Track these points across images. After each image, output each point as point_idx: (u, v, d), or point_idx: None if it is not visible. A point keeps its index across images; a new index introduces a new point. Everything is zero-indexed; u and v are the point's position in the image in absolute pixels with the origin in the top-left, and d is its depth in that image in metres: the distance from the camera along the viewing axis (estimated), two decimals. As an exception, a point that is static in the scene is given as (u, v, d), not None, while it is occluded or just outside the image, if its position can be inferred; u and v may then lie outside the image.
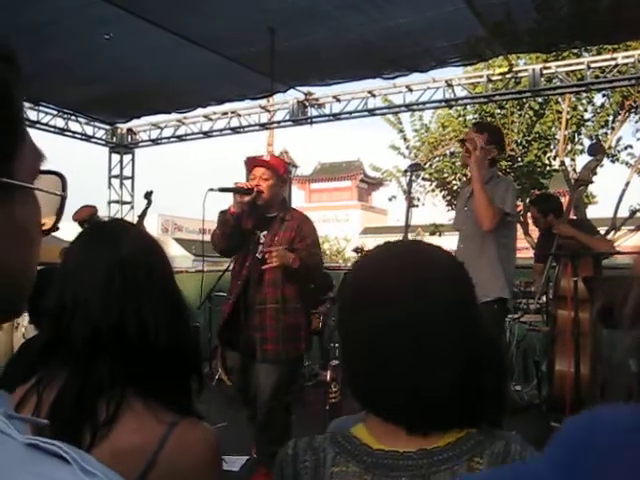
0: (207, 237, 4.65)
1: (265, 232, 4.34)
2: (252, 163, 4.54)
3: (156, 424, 1.25)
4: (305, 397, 6.85)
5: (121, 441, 1.21)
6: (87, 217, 6.12)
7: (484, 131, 4.48)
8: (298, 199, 48.78)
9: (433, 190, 15.25)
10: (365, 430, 1.11)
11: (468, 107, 13.93)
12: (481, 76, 9.27)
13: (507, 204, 4.26)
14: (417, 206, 14.70)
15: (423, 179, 14.94)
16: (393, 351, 1.05)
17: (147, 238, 1.44)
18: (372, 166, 16.70)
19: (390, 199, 15.83)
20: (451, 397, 1.04)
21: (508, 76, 9.00)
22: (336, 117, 10.16)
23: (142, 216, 6.16)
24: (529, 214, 7.61)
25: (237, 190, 4.35)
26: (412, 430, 1.05)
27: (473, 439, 1.05)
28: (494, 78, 9.15)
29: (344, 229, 41.30)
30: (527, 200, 14.69)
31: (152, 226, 31.74)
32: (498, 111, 13.92)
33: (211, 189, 4.43)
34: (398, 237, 4.18)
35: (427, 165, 14.60)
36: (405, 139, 15.20)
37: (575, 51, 10.70)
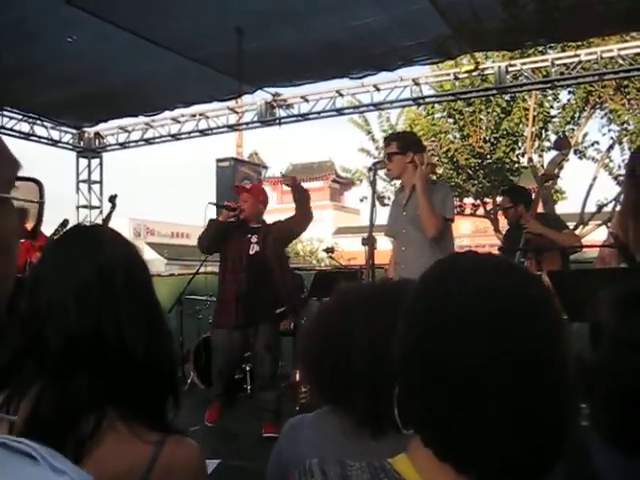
0: (185, 241, 5.21)
1: (256, 235, 5.81)
2: (239, 190, 6.21)
3: (141, 445, 1.21)
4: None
5: (107, 466, 1.15)
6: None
7: (391, 142, 4.66)
8: (270, 201, 48.66)
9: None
10: (410, 466, 0.92)
11: (436, 105, 14.02)
12: (448, 74, 9.32)
13: (447, 211, 4.49)
14: (387, 205, 14.75)
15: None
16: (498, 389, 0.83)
17: (126, 245, 1.41)
18: (342, 167, 16.75)
19: (362, 200, 15.90)
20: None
21: (475, 74, 9.06)
22: (304, 117, 10.15)
23: (107, 220, 6.12)
24: (499, 212, 7.68)
25: (226, 207, 5.96)
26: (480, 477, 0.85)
27: None
28: (461, 76, 9.21)
29: (317, 229, 41.27)
30: (496, 197, 14.82)
31: (123, 230, 31.05)
32: (466, 109, 14.02)
33: (210, 203, 6.28)
34: (372, 235, 4.28)
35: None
36: (374, 140, 15.27)
37: (540, 49, 10.83)
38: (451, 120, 14.76)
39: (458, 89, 9.41)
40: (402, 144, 4.59)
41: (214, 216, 6.18)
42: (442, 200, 4.46)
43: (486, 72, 9.08)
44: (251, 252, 5.75)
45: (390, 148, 4.54)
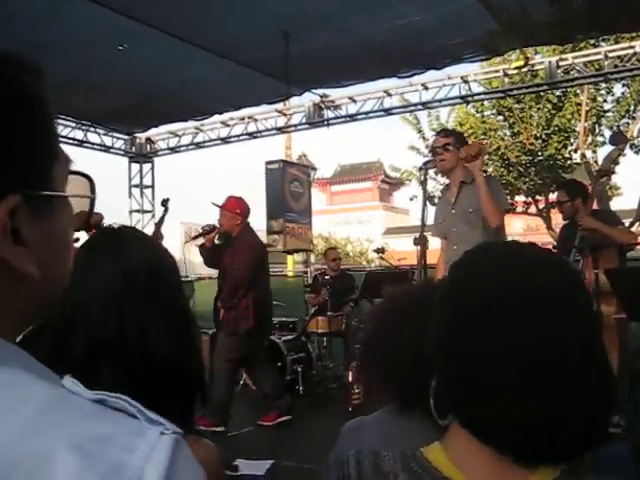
0: None
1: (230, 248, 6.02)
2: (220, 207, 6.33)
3: None
4: (329, 399, 6.84)
5: None
6: (94, 224, 6.18)
7: (450, 136, 4.60)
8: (319, 202, 48.78)
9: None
10: (443, 454, 0.94)
11: (485, 103, 13.85)
12: (497, 71, 9.20)
13: (502, 201, 4.49)
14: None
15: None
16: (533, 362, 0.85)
17: (155, 248, 1.40)
18: (392, 167, 16.68)
19: (411, 199, 15.81)
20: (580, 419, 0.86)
21: (524, 70, 8.92)
22: (352, 118, 10.15)
23: (159, 223, 6.23)
24: (555, 207, 7.54)
25: (203, 234, 6.31)
26: (518, 459, 0.87)
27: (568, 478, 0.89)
28: (510, 72, 9.08)
29: (366, 230, 41.17)
30: (549, 195, 14.58)
31: (175, 233, 31.87)
32: (516, 105, 13.82)
33: (192, 237, 6.86)
34: (424, 235, 4.25)
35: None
36: (424, 138, 15.16)
37: (592, 41, 10.60)
38: (501, 117, 14.58)
39: (507, 86, 9.27)
40: (458, 140, 4.56)
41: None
42: (496, 192, 4.40)
43: (536, 67, 8.95)
44: (224, 263, 6.04)
45: (447, 139, 4.48)
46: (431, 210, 4.34)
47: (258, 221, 5.90)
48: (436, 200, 14.99)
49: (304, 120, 10.50)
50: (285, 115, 10.93)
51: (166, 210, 6.38)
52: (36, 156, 0.61)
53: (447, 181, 4.75)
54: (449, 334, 0.92)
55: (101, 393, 0.54)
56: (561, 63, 8.60)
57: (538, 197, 15.61)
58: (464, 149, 4.38)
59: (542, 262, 0.93)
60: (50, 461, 0.45)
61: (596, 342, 0.89)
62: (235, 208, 6.12)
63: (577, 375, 0.85)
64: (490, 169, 14.53)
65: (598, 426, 0.87)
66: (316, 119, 10.28)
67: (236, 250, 5.93)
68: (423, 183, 4.20)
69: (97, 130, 11.24)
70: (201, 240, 6.40)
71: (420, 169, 4.26)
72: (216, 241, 6.23)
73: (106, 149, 11.70)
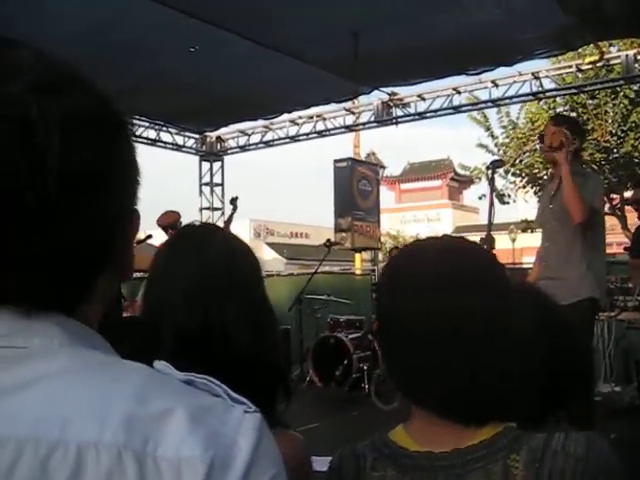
0: (304, 241, 5.17)
1: None
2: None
3: None
4: (394, 397, 6.81)
5: None
6: (170, 223, 6.35)
7: (562, 124, 4.28)
8: (388, 200, 48.57)
9: (524, 186, 14.90)
10: (404, 433, 1.10)
11: (558, 99, 13.54)
12: (570, 66, 8.98)
13: (595, 201, 4.12)
14: (508, 203, 14.42)
15: (513, 175, 14.64)
16: (448, 340, 1.02)
17: (235, 243, 1.43)
18: (461, 165, 16.50)
19: (480, 197, 15.58)
20: (514, 392, 1.00)
21: (599, 64, 8.68)
22: (421, 116, 10.09)
23: (228, 221, 6.31)
24: (627, 207, 7.30)
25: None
26: (447, 417, 1.03)
27: (510, 434, 1.00)
28: (584, 67, 8.85)
29: (435, 229, 40.79)
30: (624, 193, 14.15)
31: (244, 231, 32.34)
32: (590, 102, 13.46)
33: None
34: (491, 235, 4.15)
35: (517, 161, 14.29)
36: (493, 136, 14.94)
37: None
38: (574, 114, 14.21)
39: (581, 81, 9.05)
40: (571, 129, 4.23)
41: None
42: (593, 189, 4.13)
43: (612, 62, 8.69)
44: None
45: (558, 128, 4.17)
46: (500, 209, 4.24)
47: (326, 219, 5.83)
48: (505, 199, 14.83)
49: (372, 118, 10.50)
50: (354, 113, 10.94)
51: (235, 208, 6.47)
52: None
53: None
54: (384, 335, 1.14)
55: (190, 375, 0.60)
56: (639, 57, 8.34)
57: (613, 195, 15.17)
58: (547, 137, 4.20)
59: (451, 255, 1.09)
60: (166, 418, 0.52)
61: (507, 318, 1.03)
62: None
63: (486, 349, 1.01)
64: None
65: (514, 391, 1.01)
66: (385, 117, 10.27)
67: None
68: (490, 182, 4.12)
69: (169, 129, 11.51)
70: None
71: (487, 168, 4.17)
72: None
73: (178, 148, 11.97)
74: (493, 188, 4.09)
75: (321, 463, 4.39)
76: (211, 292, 1.29)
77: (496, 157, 14.13)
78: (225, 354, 1.25)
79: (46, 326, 0.58)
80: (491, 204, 3.90)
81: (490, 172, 4.12)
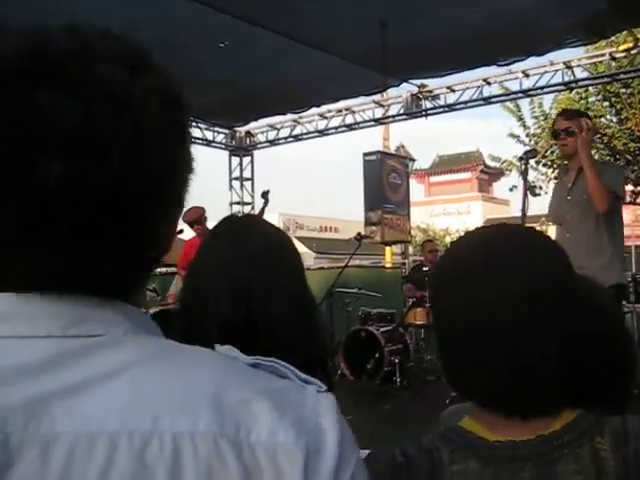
0: (333, 235, 5.09)
1: None
2: None
3: None
4: (426, 391, 6.81)
5: None
6: (195, 218, 6.39)
7: (574, 117, 4.28)
8: (418, 193, 48.31)
9: (556, 178, 14.70)
10: (475, 423, 1.05)
11: (590, 89, 13.33)
12: (603, 54, 8.84)
13: (618, 187, 4.13)
14: (539, 195, 14.24)
15: (544, 166, 14.45)
16: (491, 330, 0.99)
17: (277, 235, 1.44)
18: (491, 156, 16.34)
19: (511, 189, 15.39)
20: (553, 374, 0.98)
21: (633, 52, 8.53)
22: (451, 108, 10.02)
23: (260, 215, 6.31)
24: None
25: None
26: (514, 413, 1.00)
27: (588, 418, 0.99)
28: (618, 55, 8.70)
29: (466, 221, 40.43)
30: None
31: (274, 226, 32.38)
32: (623, 90, 13.22)
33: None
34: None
35: (548, 152, 14.11)
36: (525, 126, 14.75)
37: None
38: (607, 103, 13.97)
39: (614, 70, 8.90)
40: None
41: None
42: (614, 177, 4.13)
43: (646, 49, 8.53)
44: None
45: (571, 123, 4.18)
46: (532, 201, 4.19)
47: (356, 213, 5.79)
48: (537, 190, 14.65)
49: (402, 111, 10.45)
50: (383, 106, 10.90)
51: (266, 202, 6.48)
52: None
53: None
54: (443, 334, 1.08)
55: (256, 358, 0.60)
56: (674, 44, 8.18)
57: (647, 186, 14.91)
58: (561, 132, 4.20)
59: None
60: (250, 404, 0.52)
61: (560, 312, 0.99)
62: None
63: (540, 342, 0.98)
64: (596, 157, 13.99)
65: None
66: (414, 110, 10.21)
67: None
68: (523, 174, 4.07)
69: (199, 125, 11.57)
70: None
71: (520, 159, 4.14)
72: None
73: (207, 143, 12.03)
74: (526, 179, 4.04)
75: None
76: (256, 286, 1.29)
77: (528, 147, 13.99)
78: (269, 348, 1.25)
79: (109, 314, 0.57)
80: (525, 195, 3.87)
81: (523, 163, 4.08)
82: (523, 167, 4.11)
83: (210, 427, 0.50)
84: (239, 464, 0.49)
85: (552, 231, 4.62)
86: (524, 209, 3.82)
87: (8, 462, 0.46)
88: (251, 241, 1.36)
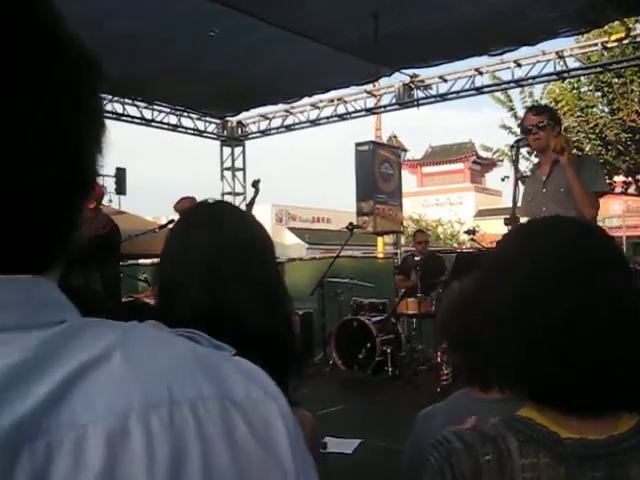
0: (325, 225, 5.05)
1: None
2: None
3: None
4: (418, 380, 6.82)
5: None
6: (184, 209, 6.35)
7: (542, 113, 4.40)
8: (410, 184, 48.33)
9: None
10: (541, 415, 0.99)
11: (582, 79, 13.34)
12: (595, 44, 8.83)
13: (600, 184, 4.26)
14: (531, 184, 14.28)
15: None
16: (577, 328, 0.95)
17: (251, 223, 1.43)
18: (483, 146, 16.35)
19: (503, 179, 15.42)
20: (630, 375, 0.95)
21: (626, 42, 8.52)
22: (443, 98, 10.01)
23: (250, 204, 6.29)
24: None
25: None
26: (587, 411, 0.97)
27: None
28: (610, 45, 8.69)
29: (458, 212, 40.55)
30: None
31: (266, 216, 32.39)
32: (615, 80, 13.23)
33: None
34: (515, 215, 4.12)
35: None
36: (516, 117, 14.76)
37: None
38: (599, 93, 14.00)
39: (607, 60, 8.89)
40: (553, 117, 4.40)
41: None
42: (592, 177, 4.20)
43: (638, 39, 8.53)
44: None
45: (541, 117, 4.31)
46: (522, 190, 4.21)
47: (348, 204, 5.77)
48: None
49: (394, 101, 10.44)
50: (375, 96, 10.88)
51: (257, 191, 6.44)
52: None
53: (537, 160, 4.58)
54: (519, 301, 1.00)
55: (177, 330, 0.61)
56: (666, 34, 8.19)
57: (639, 176, 14.94)
58: (536, 135, 4.27)
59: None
60: (220, 368, 0.54)
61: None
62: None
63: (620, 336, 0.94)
64: (587, 148, 14.00)
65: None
66: (406, 99, 10.19)
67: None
68: (515, 162, 4.09)
69: (190, 115, 11.53)
70: None
71: (512, 147, 4.14)
72: None
73: (199, 133, 12.00)
74: (517, 168, 4.05)
75: (344, 445, 4.42)
76: (225, 272, 1.29)
77: (520, 137, 13.99)
78: (237, 333, 1.26)
79: (51, 293, 0.54)
80: (516, 184, 3.87)
81: (515, 151, 4.09)
82: (514, 156, 4.12)
83: (212, 391, 0.51)
84: (247, 423, 0.52)
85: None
86: (515, 198, 3.83)
87: (46, 468, 0.44)
88: (223, 229, 1.35)
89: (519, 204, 3.98)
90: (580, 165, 4.29)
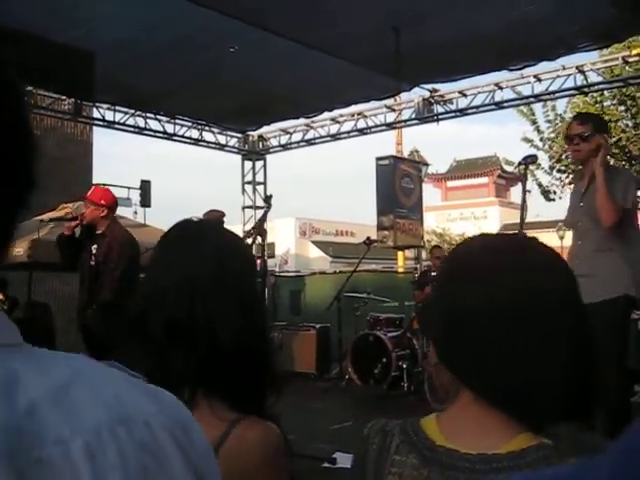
0: (349, 239, 5.05)
1: (96, 245, 5.44)
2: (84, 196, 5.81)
3: (217, 422, 1.25)
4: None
5: None
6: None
7: (588, 122, 4.21)
8: (434, 198, 48.21)
9: (570, 183, 14.61)
10: (435, 424, 1.08)
11: (605, 92, 13.23)
12: (617, 58, 8.77)
13: (628, 200, 4.02)
14: (554, 200, 14.17)
15: (559, 171, 14.36)
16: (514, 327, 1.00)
17: (228, 239, 1.48)
18: (505, 160, 16.27)
19: (526, 193, 15.34)
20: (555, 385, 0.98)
21: (647, 56, 8.46)
22: (463, 112, 9.98)
23: (262, 220, 6.26)
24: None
25: (63, 219, 5.93)
26: (511, 415, 1.00)
27: (542, 451, 0.97)
28: (632, 60, 8.63)
29: (482, 226, 40.30)
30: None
31: (289, 229, 32.48)
32: (639, 94, 13.12)
33: (42, 220, 6.23)
34: (538, 233, 4.05)
35: (563, 157, 14.02)
36: (539, 131, 14.69)
37: None
38: (622, 107, 13.88)
39: (629, 73, 8.82)
40: (596, 127, 4.17)
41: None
42: (622, 189, 4.01)
43: (660, 53, 8.46)
44: (91, 263, 5.44)
45: (585, 128, 4.12)
46: (546, 206, 4.14)
47: (369, 217, 5.74)
48: (551, 195, 14.55)
49: (414, 115, 10.43)
50: (395, 111, 10.89)
51: (269, 206, 6.43)
52: None
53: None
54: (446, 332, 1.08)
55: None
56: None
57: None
58: (574, 138, 4.14)
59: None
60: (134, 390, 0.58)
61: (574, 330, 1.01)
62: (100, 199, 5.61)
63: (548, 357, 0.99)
64: (611, 162, 13.88)
65: (570, 399, 1.00)
66: (426, 114, 10.18)
67: (110, 247, 5.39)
68: (523, 180, 4.04)
69: (212, 129, 11.63)
70: (58, 225, 6.23)
71: (519, 164, 4.07)
72: (76, 235, 5.67)
73: (220, 147, 12.09)
74: (525, 185, 4.00)
75: (345, 460, 4.40)
76: (200, 284, 1.34)
77: (544, 153, 13.90)
78: (208, 346, 1.29)
79: None
80: (523, 200, 3.84)
81: (522, 168, 4.05)
82: (522, 172, 4.07)
83: (153, 409, 0.57)
84: (169, 437, 0.56)
85: (569, 236, 4.52)
86: (522, 214, 3.80)
87: None
88: (201, 244, 1.40)
89: (528, 220, 3.93)
90: (616, 173, 4.17)
